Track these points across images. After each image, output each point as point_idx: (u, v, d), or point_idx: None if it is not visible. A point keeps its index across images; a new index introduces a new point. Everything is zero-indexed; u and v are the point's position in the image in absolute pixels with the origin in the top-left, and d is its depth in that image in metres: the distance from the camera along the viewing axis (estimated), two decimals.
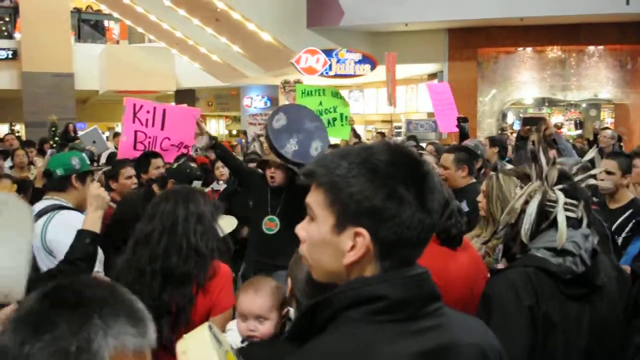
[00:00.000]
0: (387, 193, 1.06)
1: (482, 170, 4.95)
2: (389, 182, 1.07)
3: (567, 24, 11.25)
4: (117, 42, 21.06)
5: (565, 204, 1.98)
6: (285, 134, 4.21)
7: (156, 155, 4.97)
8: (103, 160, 10.61)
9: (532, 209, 1.98)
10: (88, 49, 19.13)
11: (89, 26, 20.54)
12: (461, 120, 6.15)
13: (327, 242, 1.11)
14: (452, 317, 1.14)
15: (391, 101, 8.32)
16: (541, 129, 5.13)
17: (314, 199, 1.13)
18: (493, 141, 6.01)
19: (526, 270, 1.87)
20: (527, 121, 5.27)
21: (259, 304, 1.96)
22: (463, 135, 6.17)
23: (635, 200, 3.69)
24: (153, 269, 2.25)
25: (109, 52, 18.70)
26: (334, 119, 6.33)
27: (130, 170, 4.45)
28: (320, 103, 6.22)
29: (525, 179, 2.10)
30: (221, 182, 6.14)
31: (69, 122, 15.21)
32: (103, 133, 21.43)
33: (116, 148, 12.16)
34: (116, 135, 13.98)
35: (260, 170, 4.48)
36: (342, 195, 1.09)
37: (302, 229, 1.17)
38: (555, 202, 1.98)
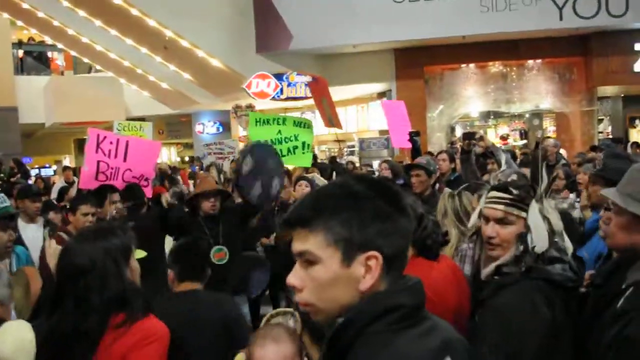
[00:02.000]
0: (377, 213, 1.16)
1: (437, 186, 5.13)
2: (374, 203, 1.17)
3: (506, 40, 11.74)
4: (62, 73, 20.63)
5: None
6: (251, 178, 4.31)
7: (114, 189, 4.96)
8: (54, 195, 10.38)
9: (558, 223, 2.11)
10: (32, 81, 18.69)
11: (32, 58, 20.06)
12: (413, 135, 6.31)
13: (339, 277, 1.15)
14: (434, 317, 1.24)
15: (332, 123, 8.32)
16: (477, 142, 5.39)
17: (313, 244, 1.16)
18: (452, 156, 6.23)
19: (537, 283, 1.94)
20: (466, 136, 5.49)
21: (283, 354, 1.85)
22: (415, 149, 6.33)
23: None
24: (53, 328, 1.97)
25: (54, 84, 18.30)
26: (295, 147, 6.32)
27: (89, 208, 4.43)
28: (279, 132, 6.23)
29: (527, 195, 2.13)
30: None
31: (12, 157, 14.82)
32: (50, 166, 20.98)
33: (66, 182, 11.94)
34: (65, 169, 13.67)
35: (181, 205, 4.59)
36: (342, 230, 1.15)
37: (297, 278, 1.19)
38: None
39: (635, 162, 3.13)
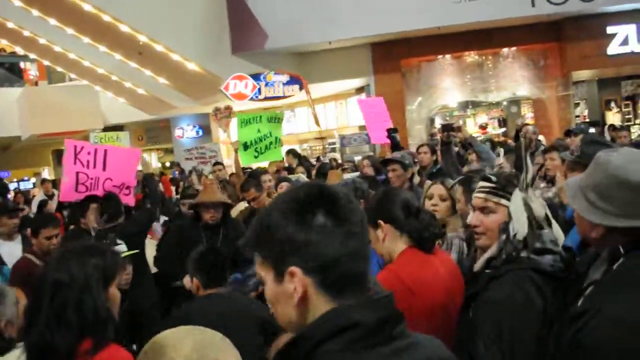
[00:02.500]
0: (302, 226, 1.11)
1: (415, 179, 5.17)
2: (302, 216, 1.12)
3: (480, 29, 11.81)
4: (36, 84, 20.32)
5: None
6: None
7: (95, 199, 4.89)
8: (34, 208, 10.23)
9: (541, 211, 2.10)
10: (5, 93, 18.38)
11: (4, 69, 19.73)
12: (391, 131, 6.35)
13: (279, 295, 1.15)
14: (417, 336, 1.17)
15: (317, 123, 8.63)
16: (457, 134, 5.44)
17: (258, 264, 1.19)
18: (433, 149, 6.27)
19: (526, 273, 1.94)
20: (445, 127, 5.55)
21: None
22: (395, 145, 6.37)
23: None
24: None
25: (28, 95, 17.99)
26: (270, 143, 6.50)
27: (51, 231, 4.24)
28: (258, 130, 6.37)
29: (510, 184, 2.15)
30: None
31: None
32: (29, 179, 20.71)
33: (45, 195, 11.79)
34: (44, 181, 13.49)
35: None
36: (264, 248, 1.16)
37: (266, 294, 1.20)
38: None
39: (611, 147, 3.15)
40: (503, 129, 15.50)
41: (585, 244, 2.16)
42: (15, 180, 20.42)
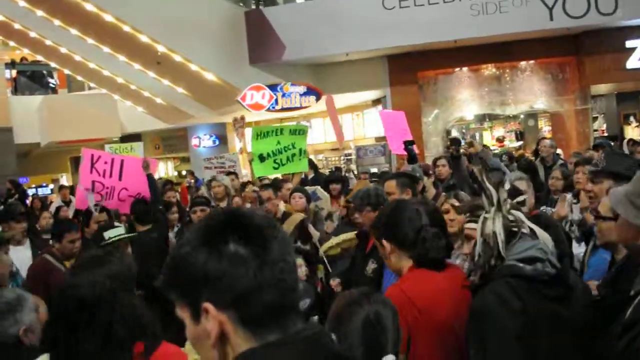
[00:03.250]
0: (207, 253, 1.03)
1: (431, 191, 5.19)
2: (208, 242, 1.04)
3: (498, 42, 11.77)
4: (56, 92, 20.61)
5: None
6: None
7: (100, 209, 4.96)
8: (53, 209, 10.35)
9: (499, 228, 2.13)
10: (26, 101, 18.67)
11: (25, 77, 20.04)
12: (408, 144, 6.35)
13: (198, 336, 1.05)
14: None
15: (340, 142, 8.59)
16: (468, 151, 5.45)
17: (176, 305, 1.08)
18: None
19: (506, 280, 2.01)
20: (453, 141, 5.59)
21: None
22: (411, 157, 6.37)
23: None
24: None
25: (48, 103, 18.26)
26: (293, 155, 6.51)
27: (74, 235, 4.38)
28: (279, 142, 6.38)
29: (477, 209, 2.26)
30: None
31: (11, 178, 14.77)
32: (47, 186, 20.94)
33: (63, 201, 11.92)
34: (62, 188, 13.63)
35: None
36: (178, 286, 1.06)
37: (187, 338, 1.10)
38: (515, 221, 2.15)
39: (636, 162, 3.13)
40: (520, 142, 15.40)
41: (628, 255, 2.18)
42: (34, 186, 20.64)
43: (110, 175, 5.27)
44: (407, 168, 5.10)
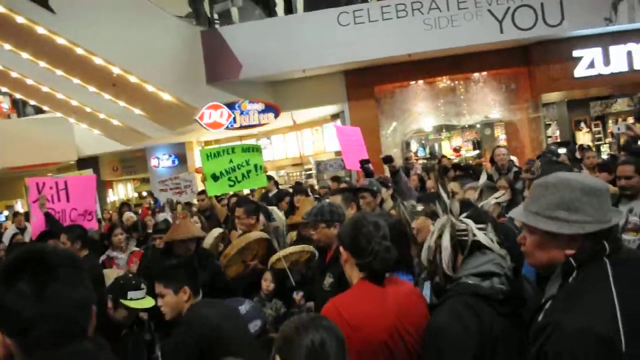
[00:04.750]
0: (2, 291, 1.20)
1: (388, 203, 5.35)
2: (2, 278, 1.22)
3: (451, 55, 12.06)
4: (8, 117, 20.09)
5: (476, 228, 2.18)
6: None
7: (56, 234, 4.90)
8: (6, 241, 10.02)
9: (445, 242, 2.15)
10: None
11: None
12: (364, 162, 6.46)
13: None
14: None
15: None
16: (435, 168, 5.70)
17: None
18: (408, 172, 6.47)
19: (463, 298, 2.03)
20: (385, 159, 5.99)
21: None
22: (367, 174, 6.49)
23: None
24: None
25: (0, 128, 17.78)
26: (249, 171, 6.52)
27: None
28: (231, 160, 6.39)
29: (433, 216, 2.30)
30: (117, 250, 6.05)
31: None
32: (1, 212, 20.31)
33: (17, 228, 11.56)
34: (16, 214, 13.23)
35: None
36: None
37: None
38: (466, 230, 2.17)
39: (570, 169, 3.23)
40: (477, 151, 15.73)
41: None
42: None
43: (59, 200, 5.30)
44: (364, 182, 5.25)
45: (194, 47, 11.64)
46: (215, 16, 12.88)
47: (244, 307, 3.87)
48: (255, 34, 11.54)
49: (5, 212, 20.70)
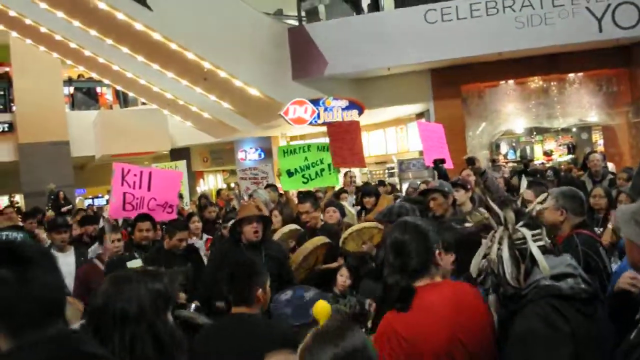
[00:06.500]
0: None
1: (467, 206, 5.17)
2: None
3: (544, 55, 11.53)
4: (111, 107, 21.41)
5: (533, 235, 2.10)
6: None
7: (144, 218, 5.12)
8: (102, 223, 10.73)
9: (505, 254, 2.08)
10: (82, 116, 19.44)
11: (81, 94, 20.90)
12: (438, 162, 6.31)
13: None
14: None
15: (347, 161, 8.19)
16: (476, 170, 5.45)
17: None
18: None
19: (547, 301, 1.94)
20: (468, 161, 5.68)
21: None
22: (441, 176, 6.32)
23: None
24: None
25: (102, 118, 18.98)
26: (322, 170, 6.65)
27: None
28: (306, 159, 6.54)
29: (488, 228, 2.22)
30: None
31: (59, 189, 15.41)
32: (103, 196, 21.71)
33: None
34: None
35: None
36: None
37: None
38: (524, 238, 2.09)
39: None
40: (571, 156, 14.98)
41: None
42: (90, 197, 21.50)
43: (140, 187, 5.55)
44: (434, 183, 5.13)
45: (281, 43, 11.88)
46: (303, 13, 13.05)
47: (309, 294, 3.86)
48: (342, 31, 11.59)
49: (106, 197, 22.11)
